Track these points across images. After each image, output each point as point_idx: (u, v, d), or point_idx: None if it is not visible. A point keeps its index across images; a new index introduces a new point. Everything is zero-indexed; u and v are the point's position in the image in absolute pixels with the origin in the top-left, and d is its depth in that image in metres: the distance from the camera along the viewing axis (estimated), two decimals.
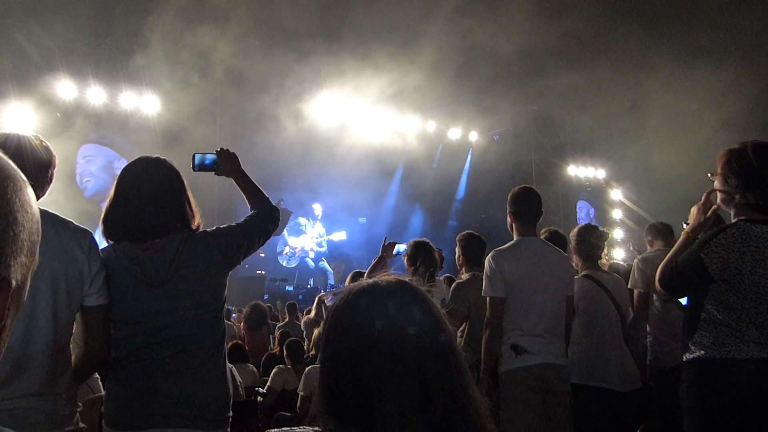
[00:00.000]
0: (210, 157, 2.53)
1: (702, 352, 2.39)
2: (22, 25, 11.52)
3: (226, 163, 2.52)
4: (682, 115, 14.02)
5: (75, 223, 2.04)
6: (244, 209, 2.56)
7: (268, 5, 11.75)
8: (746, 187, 2.36)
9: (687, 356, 2.48)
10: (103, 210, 2.21)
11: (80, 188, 13.80)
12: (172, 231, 2.16)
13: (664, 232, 4.33)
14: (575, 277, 3.71)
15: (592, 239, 3.84)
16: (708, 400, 2.35)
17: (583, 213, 21.19)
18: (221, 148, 2.55)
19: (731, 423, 2.27)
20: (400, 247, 4.39)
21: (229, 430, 2.20)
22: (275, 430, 1.14)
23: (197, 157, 2.54)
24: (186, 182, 2.27)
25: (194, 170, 2.55)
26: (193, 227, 2.24)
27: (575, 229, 3.99)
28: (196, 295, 2.15)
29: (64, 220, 2.01)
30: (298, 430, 1.08)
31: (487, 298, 3.34)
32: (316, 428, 1.07)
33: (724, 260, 2.31)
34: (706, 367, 2.38)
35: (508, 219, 3.51)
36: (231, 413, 2.21)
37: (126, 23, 12.02)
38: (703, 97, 13.09)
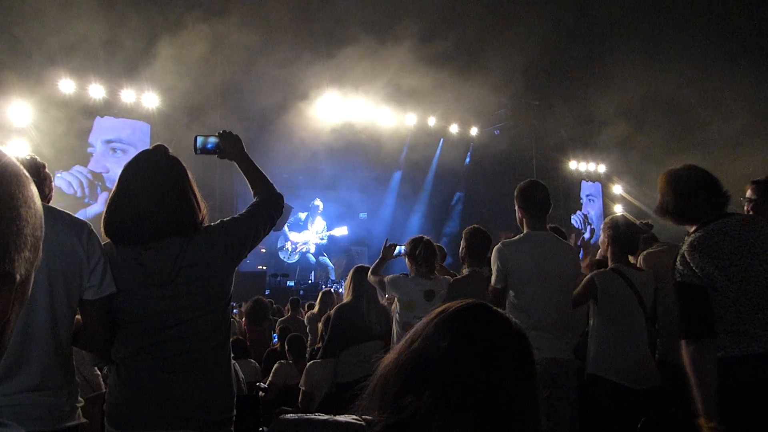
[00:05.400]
0: (212, 140, 2.44)
1: None
2: (22, 22, 11.51)
3: (228, 147, 2.43)
4: (682, 111, 14.00)
5: (73, 215, 2.02)
6: (245, 193, 2.47)
7: (270, 3, 11.73)
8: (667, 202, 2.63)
9: None
10: (105, 210, 2.13)
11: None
12: (176, 233, 2.08)
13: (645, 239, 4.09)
14: (601, 271, 3.68)
15: (627, 232, 3.67)
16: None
17: (594, 209, 21.04)
18: (223, 131, 2.45)
19: (734, 424, 2.25)
20: (401, 249, 4.42)
21: (232, 428, 2.16)
22: (316, 414, 1.14)
23: (199, 139, 2.45)
24: (190, 174, 2.19)
25: (196, 153, 2.46)
26: (198, 222, 2.16)
27: (608, 220, 3.78)
28: (201, 294, 2.09)
29: (60, 212, 1.98)
30: (341, 419, 1.08)
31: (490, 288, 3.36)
32: (367, 417, 1.08)
33: (706, 267, 2.35)
34: None
35: (518, 213, 3.48)
36: (235, 412, 2.17)
37: (127, 20, 12.00)
38: (702, 92, 13.08)
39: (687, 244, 2.45)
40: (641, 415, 3.51)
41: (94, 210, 11.70)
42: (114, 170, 12.77)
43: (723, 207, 2.54)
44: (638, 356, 3.52)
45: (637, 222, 3.92)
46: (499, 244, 3.39)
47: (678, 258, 2.44)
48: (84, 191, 11.99)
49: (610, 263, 3.71)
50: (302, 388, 4.75)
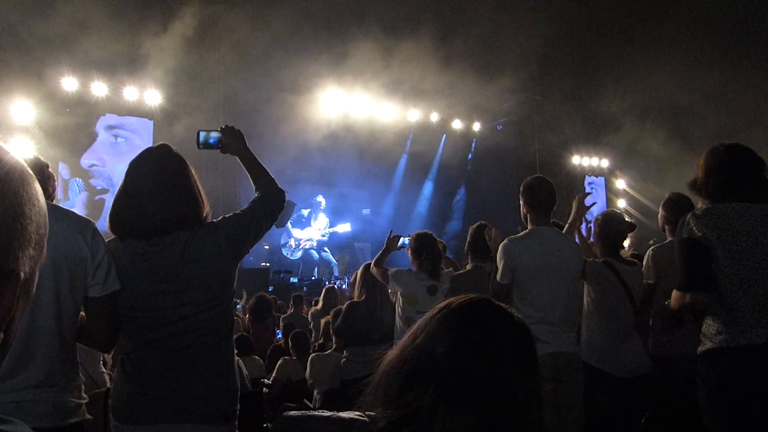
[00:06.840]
0: (214, 135, 2.46)
1: (710, 344, 2.37)
2: (25, 20, 11.51)
3: (230, 141, 2.45)
4: (686, 105, 13.95)
5: (77, 213, 2.03)
6: (248, 189, 2.50)
7: None
8: (706, 180, 2.55)
9: (699, 349, 2.46)
10: (111, 207, 2.17)
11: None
12: (181, 228, 2.11)
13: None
14: (592, 261, 3.71)
15: (616, 227, 3.77)
16: (714, 395, 2.33)
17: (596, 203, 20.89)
18: (226, 125, 2.47)
19: (738, 418, 2.24)
20: (405, 240, 4.42)
21: (236, 423, 2.18)
22: (320, 411, 1.14)
23: (201, 134, 2.47)
24: (193, 171, 2.22)
25: (199, 148, 2.48)
26: (202, 217, 2.19)
27: (599, 216, 3.90)
28: (204, 290, 2.12)
29: (65, 210, 2.00)
30: (345, 415, 1.09)
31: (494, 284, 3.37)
32: (371, 413, 1.08)
33: (709, 235, 2.35)
34: (711, 360, 2.36)
35: (522, 209, 3.50)
36: (238, 406, 2.19)
37: (128, 16, 11.99)
38: (706, 87, 13.03)
39: (701, 209, 2.44)
40: (632, 401, 3.55)
41: None
42: (111, 164, 12.79)
43: (757, 189, 2.46)
44: (629, 347, 3.62)
45: (626, 218, 3.98)
46: (505, 240, 3.41)
47: (686, 219, 2.44)
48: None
49: (600, 257, 3.77)
50: (309, 380, 4.82)
